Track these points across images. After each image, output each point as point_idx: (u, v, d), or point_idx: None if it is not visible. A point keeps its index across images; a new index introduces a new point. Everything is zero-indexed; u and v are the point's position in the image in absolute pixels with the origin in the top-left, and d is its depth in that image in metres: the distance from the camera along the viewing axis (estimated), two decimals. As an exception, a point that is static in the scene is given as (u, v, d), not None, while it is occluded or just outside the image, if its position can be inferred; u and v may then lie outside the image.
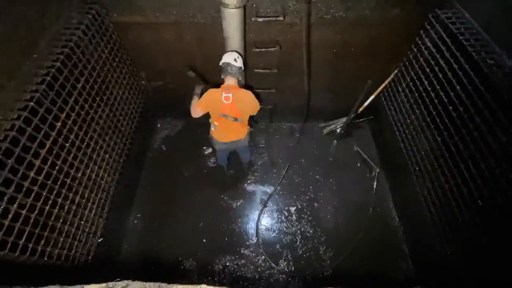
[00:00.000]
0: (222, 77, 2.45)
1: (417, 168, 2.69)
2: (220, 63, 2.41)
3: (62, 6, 2.21)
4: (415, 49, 2.71)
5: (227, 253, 2.91)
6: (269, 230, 3.07)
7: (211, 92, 2.43)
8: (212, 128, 2.66)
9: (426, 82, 2.55)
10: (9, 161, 1.57)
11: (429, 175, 2.51)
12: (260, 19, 2.45)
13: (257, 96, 2.51)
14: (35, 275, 1.78)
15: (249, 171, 3.49)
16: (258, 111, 2.55)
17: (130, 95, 3.07)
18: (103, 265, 2.48)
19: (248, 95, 2.44)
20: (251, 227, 3.09)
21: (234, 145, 2.86)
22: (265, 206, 3.20)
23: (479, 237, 1.94)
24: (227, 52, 2.50)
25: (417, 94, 2.69)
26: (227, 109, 2.42)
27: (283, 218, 3.15)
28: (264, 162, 3.60)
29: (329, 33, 2.68)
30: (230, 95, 2.35)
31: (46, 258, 1.83)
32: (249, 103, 2.45)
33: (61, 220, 2.00)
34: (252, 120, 3.16)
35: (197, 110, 2.46)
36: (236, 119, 2.48)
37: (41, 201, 1.80)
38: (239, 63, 2.41)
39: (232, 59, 2.38)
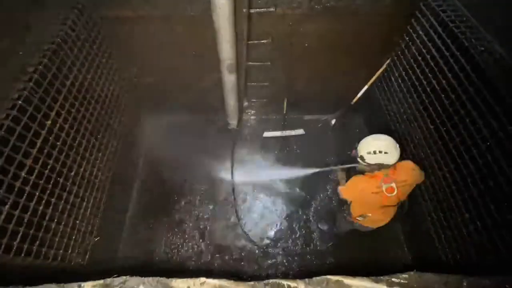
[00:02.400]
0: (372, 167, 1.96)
1: (410, 156, 2.72)
2: (375, 162, 1.92)
3: (47, 1, 2.14)
4: (407, 38, 2.72)
5: (225, 249, 2.94)
6: (257, 222, 3.12)
7: (361, 186, 1.97)
8: (361, 219, 2.24)
9: (418, 71, 2.56)
10: (-1, 161, 1.54)
11: (423, 163, 2.54)
12: (251, 11, 2.41)
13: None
14: (31, 277, 1.75)
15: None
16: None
17: (121, 92, 3.01)
18: (100, 264, 2.45)
19: (410, 170, 2.00)
20: (243, 219, 3.12)
21: None
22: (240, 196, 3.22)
23: (472, 222, 1.99)
24: (385, 146, 1.94)
25: (409, 83, 2.70)
26: (390, 200, 1.96)
27: (273, 209, 3.22)
28: (261, 154, 3.60)
29: (320, 24, 2.66)
30: (393, 184, 1.89)
31: (42, 259, 1.80)
32: (414, 182, 2.02)
33: (55, 220, 1.97)
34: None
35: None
36: (399, 202, 2.06)
37: (34, 201, 1.76)
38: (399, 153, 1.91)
39: (394, 160, 1.89)
